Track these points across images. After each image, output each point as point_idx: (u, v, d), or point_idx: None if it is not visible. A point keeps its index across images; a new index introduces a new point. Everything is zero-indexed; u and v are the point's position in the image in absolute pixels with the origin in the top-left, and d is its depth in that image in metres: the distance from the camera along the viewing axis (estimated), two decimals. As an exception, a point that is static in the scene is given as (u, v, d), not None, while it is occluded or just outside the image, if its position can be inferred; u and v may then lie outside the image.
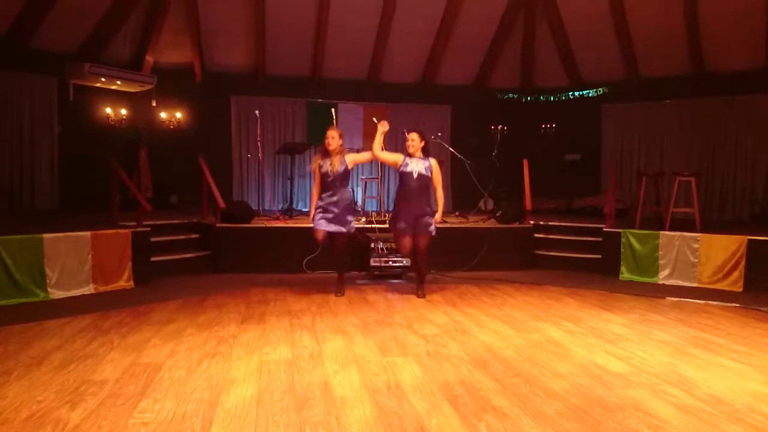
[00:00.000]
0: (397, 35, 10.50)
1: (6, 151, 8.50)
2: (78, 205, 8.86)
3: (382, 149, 5.87)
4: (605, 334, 4.56)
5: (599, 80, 10.97)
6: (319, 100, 10.78)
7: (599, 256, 7.45)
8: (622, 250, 7.09)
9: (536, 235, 8.11)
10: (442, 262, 7.42)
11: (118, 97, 9.81)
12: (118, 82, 9.39)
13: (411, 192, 5.69)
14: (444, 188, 11.69)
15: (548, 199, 10.20)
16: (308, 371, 3.61)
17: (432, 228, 5.76)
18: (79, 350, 3.96)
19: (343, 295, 5.97)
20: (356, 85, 11.16)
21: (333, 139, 5.81)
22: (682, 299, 5.96)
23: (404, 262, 7.01)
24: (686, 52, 9.90)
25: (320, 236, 5.75)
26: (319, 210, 5.79)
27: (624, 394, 3.27)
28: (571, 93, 11.37)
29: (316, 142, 10.23)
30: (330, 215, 5.74)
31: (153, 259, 6.68)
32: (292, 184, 9.22)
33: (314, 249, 7.22)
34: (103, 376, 3.45)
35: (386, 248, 7.00)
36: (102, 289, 5.96)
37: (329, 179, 5.77)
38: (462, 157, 8.68)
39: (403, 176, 5.73)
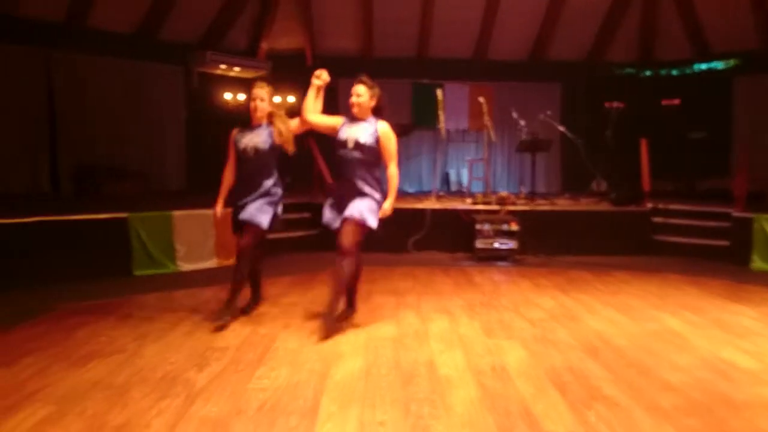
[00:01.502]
0: (505, 10, 10.18)
1: (139, 136, 9.31)
2: (203, 185, 9.53)
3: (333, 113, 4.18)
4: (732, 327, 4.22)
5: (730, 50, 9.98)
6: (425, 81, 10.74)
7: (727, 243, 6.87)
8: (754, 236, 6.48)
9: (654, 220, 7.62)
10: (552, 246, 7.20)
11: (236, 83, 10.39)
12: (236, 69, 9.93)
13: (344, 168, 3.97)
14: (554, 169, 11.51)
15: (669, 181, 9.53)
16: (413, 349, 3.68)
17: (363, 215, 3.87)
18: (204, 319, 4.30)
19: (225, 325, 4.03)
20: (462, 64, 11.00)
21: (261, 102, 4.11)
22: (826, 292, 5.37)
23: (510, 244, 6.88)
24: (839, 15, 8.76)
25: (234, 230, 4.30)
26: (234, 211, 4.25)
27: (753, 393, 3.02)
28: (696, 65, 10.47)
29: (421, 123, 10.26)
30: (241, 210, 4.20)
31: (268, 236, 7.06)
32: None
33: (420, 228, 7.31)
34: (225, 344, 3.73)
35: (492, 230, 6.90)
36: (224, 263, 6.40)
37: (245, 158, 4.13)
38: (573, 137, 8.32)
39: (337, 146, 4.01)
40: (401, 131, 9.17)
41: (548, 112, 9.00)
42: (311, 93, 4.05)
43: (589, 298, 5.09)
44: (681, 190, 9.47)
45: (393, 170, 4.00)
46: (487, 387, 3.07)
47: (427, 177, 11.01)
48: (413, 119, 10.71)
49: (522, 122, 8.53)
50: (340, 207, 3.98)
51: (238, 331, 4.00)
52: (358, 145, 3.92)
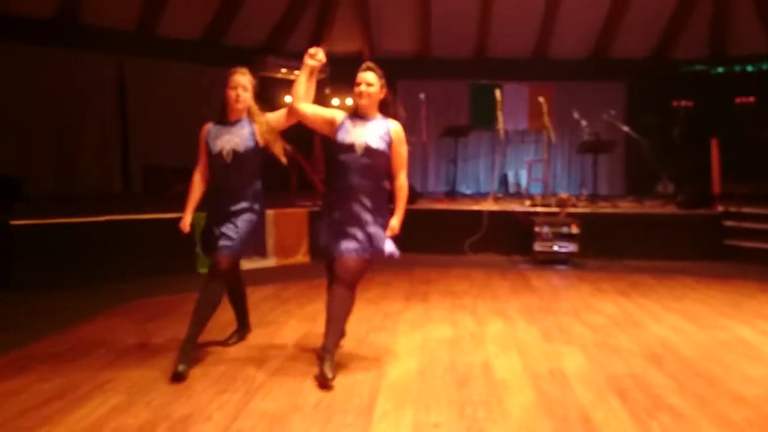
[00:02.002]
0: (566, 7, 9.95)
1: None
2: (264, 186, 9.79)
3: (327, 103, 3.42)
4: (811, 338, 3.98)
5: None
6: (483, 81, 10.63)
7: (806, 249, 6.47)
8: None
9: (726, 223, 7.26)
10: (614, 249, 6.98)
11: (296, 87, 10.61)
12: (296, 72, 10.10)
13: (347, 177, 3.18)
14: (617, 170, 11.14)
15: (742, 183, 9.04)
16: (469, 352, 3.65)
17: (369, 248, 3.18)
18: (263, 316, 4.42)
19: (183, 375, 3.10)
20: (521, 63, 10.82)
21: (244, 91, 3.35)
22: None
23: (570, 247, 6.71)
24: None
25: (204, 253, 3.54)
26: (204, 229, 3.46)
27: (833, 408, 2.84)
28: (774, 60, 9.91)
29: (479, 124, 10.17)
30: (214, 226, 3.39)
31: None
32: (455, 167, 9.27)
33: (477, 230, 7.24)
34: (283, 341, 3.82)
35: (552, 233, 6.76)
36: (282, 262, 6.55)
37: (221, 163, 3.33)
38: (638, 137, 8.04)
39: (339, 150, 3.21)
40: (459, 132, 9.17)
41: (612, 112, 8.73)
42: (302, 76, 3.28)
43: (653, 304, 4.90)
44: (755, 193, 8.97)
45: (404, 181, 3.29)
46: (544, 392, 3.01)
47: (485, 178, 10.90)
48: (471, 120, 10.64)
49: (583, 122, 8.32)
50: (339, 228, 3.20)
51: (295, 330, 4.08)
52: (369, 152, 3.16)
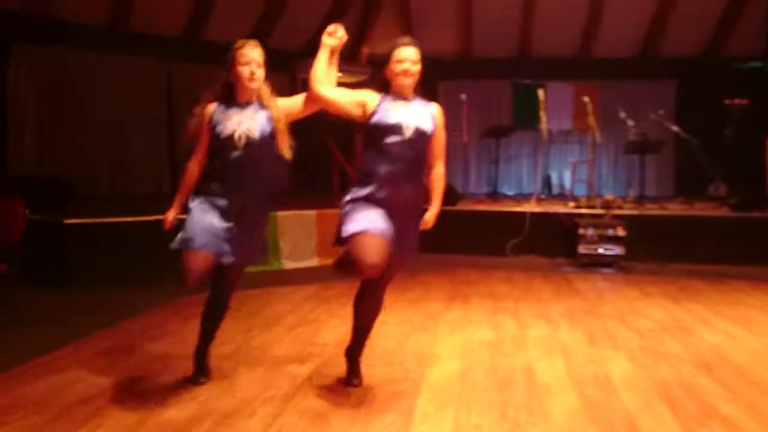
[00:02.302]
0: (612, 4, 9.71)
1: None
2: (305, 187, 9.91)
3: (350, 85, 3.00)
4: None
5: None
6: (526, 81, 10.49)
7: None
8: None
9: (782, 226, 6.96)
10: (662, 253, 6.77)
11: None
12: (338, 74, 10.21)
13: (394, 164, 2.73)
14: (666, 171, 10.80)
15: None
16: (511, 354, 3.61)
17: (418, 247, 2.95)
18: (305, 315, 4.48)
19: (206, 378, 3.08)
20: (566, 62, 10.62)
21: (258, 68, 2.86)
22: None
23: (616, 250, 6.55)
24: None
25: (197, 267, 2.80)
26: (196, 207, 2.86)
27: None
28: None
29: (522, 124, 10.03)
30: (221, 224, 2.83)
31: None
32: (497, 168, 9.17)
33: (519, 232, 7.13)
34: (324, 340, 3.86)
35: (597, 235, 6.61)
36: (325, 262, 6.59)
37: (230, 148, 2.83)
38: (688, 137, 7.79)
39: (382, 132, 2.75)
40: (501, 132, 9.06)
41: (661, 111, 8.49)
42: (322, 56, 2.89)
43: (703, 309, 4.74)
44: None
45: (442, 170, 2.93)
46: (588, 397, 2.95)
47: (528, 179, 10.75)
48: (514, 120, 10.51)
49: (630, 122, 8.12)
50: (386, 216, 2.73)
51: (336, 329, 4.11)
52: (418, 134, 2.74)
